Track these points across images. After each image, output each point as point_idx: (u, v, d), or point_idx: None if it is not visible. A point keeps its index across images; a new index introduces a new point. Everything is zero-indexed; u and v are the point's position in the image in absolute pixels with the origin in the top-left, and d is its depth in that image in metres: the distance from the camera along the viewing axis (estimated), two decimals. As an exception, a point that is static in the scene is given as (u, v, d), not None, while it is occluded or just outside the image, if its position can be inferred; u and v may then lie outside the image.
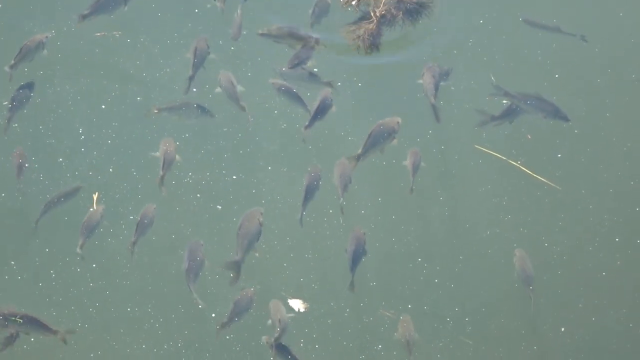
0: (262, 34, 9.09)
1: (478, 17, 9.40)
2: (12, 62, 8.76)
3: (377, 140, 8.39)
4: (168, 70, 8.94)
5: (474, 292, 8.01)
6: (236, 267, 7.83)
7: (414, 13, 9.18)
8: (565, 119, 8.49)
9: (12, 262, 8.03)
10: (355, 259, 7.94)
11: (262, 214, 8.04)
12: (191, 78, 8.65)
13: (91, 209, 8.15)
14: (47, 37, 8.96)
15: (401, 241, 8.21)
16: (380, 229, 8.24)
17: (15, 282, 7.97)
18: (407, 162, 8.34)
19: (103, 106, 8.75)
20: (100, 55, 9.06)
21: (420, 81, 8.69)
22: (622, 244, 8.20)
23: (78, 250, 7.98)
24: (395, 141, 8.43)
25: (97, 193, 8.28)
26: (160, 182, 8.26)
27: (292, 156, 8.64)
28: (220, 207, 8.35)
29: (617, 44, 9.26)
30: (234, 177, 8.53)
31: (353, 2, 9.27)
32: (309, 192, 8.16)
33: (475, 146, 8.62)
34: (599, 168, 8.57)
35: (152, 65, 9.00)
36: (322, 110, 8.56)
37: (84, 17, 9.03)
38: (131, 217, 8.18)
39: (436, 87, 8.62)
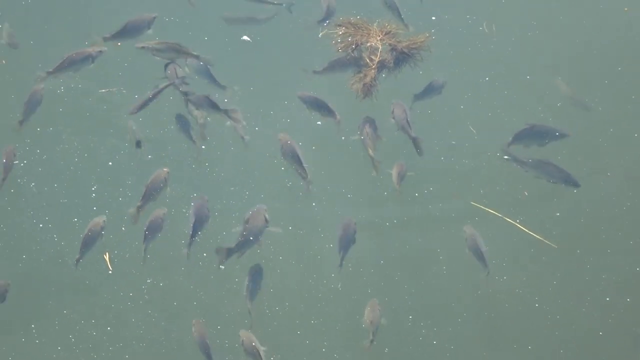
0: (141, 47, 8.97)
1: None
2: (51, 70, 8.86)
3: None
4: (172, 127, 9.13)
5: (469, 350, 8.29)
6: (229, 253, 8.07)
7: (407, 59, 9.24)
8: (576, 184, 8.55)
9: (32, 325, 8.31)
10: (345, 245, 8.25)
11: (266, 210, 8.30)
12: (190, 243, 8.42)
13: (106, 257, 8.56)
14: (100, 51, 8.98)
15: (399, 299, 8.44)
16: (380, 287, 8.52)
17: (34, 345, 8.24)
18: (393, 172, 8.64)
19: (110, 163, 9.02)
20: (107, 112, 9.30)
21: (392, 120, 8.85)
22: (617, 302, 8.35)
23: (76, 260, 8.25)
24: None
25: (107, 253, 8.57)
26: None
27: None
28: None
29: (618, 106, 9.46)
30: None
31: (349, 49, 9.27)
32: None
33: (472, 203, 8.86)
34: (598, 228, 8.73)
35: (158, 123, 9.21)
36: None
37: (107, 39, 9.06)
38: (148, 281, 8.48)
39: (409, 120, 8.76)
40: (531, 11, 10.42)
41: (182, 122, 9.01)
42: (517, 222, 8.68)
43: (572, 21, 10.30)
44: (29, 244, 8.58)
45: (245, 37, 9.56)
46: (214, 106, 8.83)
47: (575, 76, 9.71)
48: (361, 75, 9.16)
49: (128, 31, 9.14)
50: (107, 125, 9.23)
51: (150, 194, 8.47)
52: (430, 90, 9.25)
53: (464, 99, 9.53)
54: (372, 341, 7.88)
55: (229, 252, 8.08)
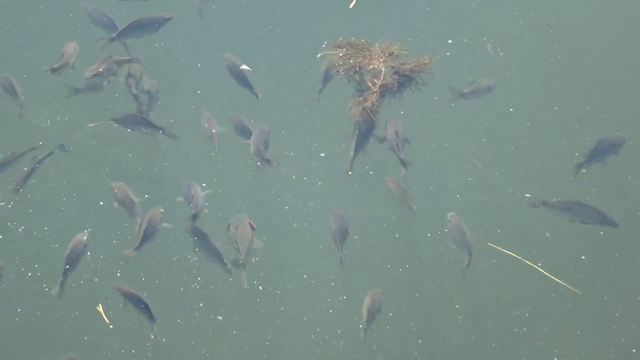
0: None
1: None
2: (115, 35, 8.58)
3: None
4: (166, 164, 8.64)
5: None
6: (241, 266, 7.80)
7: (409, 82, 8.57)
8: (613, 224, 7.94)
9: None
10: (341, 237, 8.03)
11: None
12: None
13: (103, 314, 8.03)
14: (168, 18, 8.75)
15: (413, 345, 7.92)
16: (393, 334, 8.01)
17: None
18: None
19: (101, 202, 8.45)
20: (96, 147, 8.75)
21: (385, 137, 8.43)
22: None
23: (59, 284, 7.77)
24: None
25: (101, 305, 8.06)
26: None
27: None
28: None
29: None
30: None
31: (341, 71, 8.65)
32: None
33: (488, 244, 8.27)
34: (628, 273, 8.12)
35: (149, 159, 8.66)
36: None
37: (112, 39, 8.65)
38: (152, 337, 7.90)
39: (402, 141, 8.35)
40: (554, 36, 9.82)
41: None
42: (537, 266, 8.09)
43: (596, 49, 9.71)
44: (20, 295, 8.00)
45: (244, 66, 8.92)
46: (149, 124, 8.38)
47: (603, 106, 9.08)
48: (361, 99, 8.52)
49: (134, 30, 8.65)
50: (97, 162, 8.67)
51: (148, 236, 7.93)
52: (480, 91, 8.89)
53: (484, 130, 9.00)
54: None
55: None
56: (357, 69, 8.55)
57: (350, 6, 9.92)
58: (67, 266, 7.80)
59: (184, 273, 8.07)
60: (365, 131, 8.44)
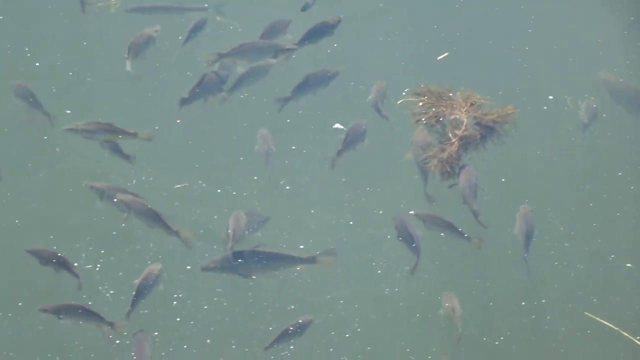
0: (69, 130, 8.30)
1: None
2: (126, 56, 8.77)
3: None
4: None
5: None
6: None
7: (492, 133, 8.42)
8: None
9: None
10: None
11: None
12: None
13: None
14: (156, 31, 8.96)
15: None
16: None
17: None
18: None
19: (188, 267, 8.25)
20: (181, 207, 8.58)
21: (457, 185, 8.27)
22: None
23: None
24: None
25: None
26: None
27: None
28: None
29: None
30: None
31: (432, 122, 8.52)
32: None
33: (585, 313, 8.17)
34: None
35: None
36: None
37: (184, 101, 8.64)
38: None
39: (475, 191, 8.18)
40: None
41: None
42: (637, 340, 8.03)
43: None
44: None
45: (338, 125, 8.94)
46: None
47: None
48: (437, 149, 8.34)
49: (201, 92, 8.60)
50: (183, 223, 8.30)
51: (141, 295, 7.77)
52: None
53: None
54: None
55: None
56: (440, 118, 8.43)
57: (439, 58, 9.72)
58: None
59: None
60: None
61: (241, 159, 8.95)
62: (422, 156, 8.35)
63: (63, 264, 7.91)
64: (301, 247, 8.31)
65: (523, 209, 8.23)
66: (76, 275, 7.87)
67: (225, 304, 8.13)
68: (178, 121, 8.89)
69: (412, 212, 8.31)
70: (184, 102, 8.66)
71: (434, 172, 8.27)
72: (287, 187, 8.84)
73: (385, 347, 8.02)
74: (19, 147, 8.99)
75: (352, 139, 8.67)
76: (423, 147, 8.36)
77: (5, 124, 9.16)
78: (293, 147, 9.11)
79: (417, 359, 7.88)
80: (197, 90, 8.61)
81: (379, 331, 8.08)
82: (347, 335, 8.05)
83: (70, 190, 8.66)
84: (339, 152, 8.69)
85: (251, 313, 8.07)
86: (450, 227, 8.11)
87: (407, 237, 8.10)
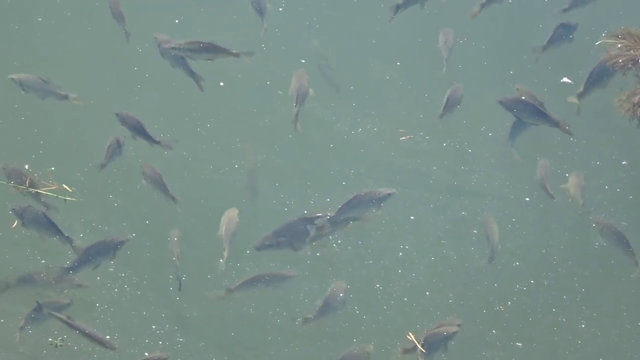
0: (171, 48, 8.75)
1: None
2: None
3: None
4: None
5: None
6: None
7: None
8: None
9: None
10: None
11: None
12: None
13: None
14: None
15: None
16: None
17: None
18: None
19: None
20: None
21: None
22: None
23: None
24: None
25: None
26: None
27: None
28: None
29: None
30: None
31: (621, 61, 8.39)
32: None
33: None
34: None
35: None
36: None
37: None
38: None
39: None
40: None
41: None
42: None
43: None
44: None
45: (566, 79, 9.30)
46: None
47: None
48: (630, 92, 8.27)
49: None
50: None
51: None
52: None
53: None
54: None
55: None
56: (637, 61, 8.28)
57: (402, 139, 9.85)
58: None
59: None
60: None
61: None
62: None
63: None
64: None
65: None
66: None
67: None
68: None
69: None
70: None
71: (623, 114, 8.30)
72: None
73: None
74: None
75: (451, 103, 9.19)
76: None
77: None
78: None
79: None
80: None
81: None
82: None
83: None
84: (441, 116, 9.19)
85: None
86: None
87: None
